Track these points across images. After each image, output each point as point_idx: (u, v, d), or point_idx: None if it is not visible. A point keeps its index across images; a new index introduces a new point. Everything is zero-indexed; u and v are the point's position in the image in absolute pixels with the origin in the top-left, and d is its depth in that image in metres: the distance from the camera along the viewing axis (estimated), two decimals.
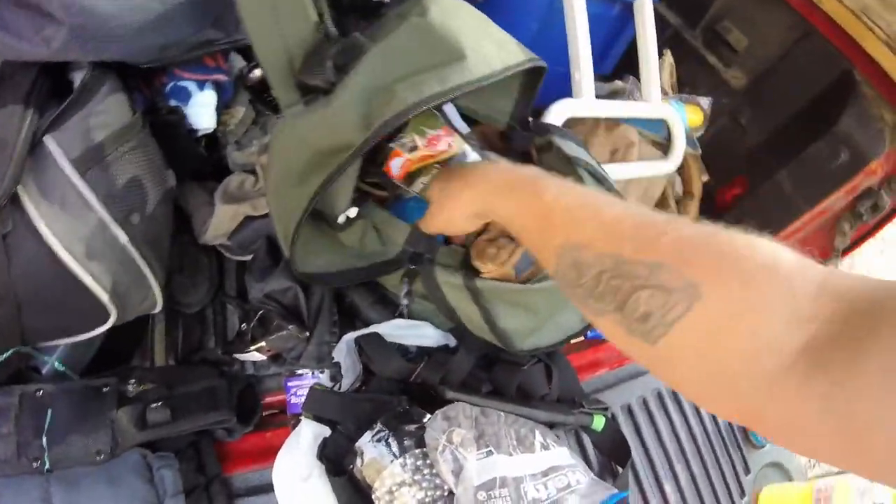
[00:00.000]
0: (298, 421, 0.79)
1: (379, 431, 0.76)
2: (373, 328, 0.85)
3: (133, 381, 0.78)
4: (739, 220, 1.34)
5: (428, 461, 0.76)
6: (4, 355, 0.71)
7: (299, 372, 0.87)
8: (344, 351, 0.83)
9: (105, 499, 0.72)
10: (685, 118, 1.19)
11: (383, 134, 0.57)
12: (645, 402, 1.13)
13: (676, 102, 1.20)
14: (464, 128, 0.82)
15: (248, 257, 0.89)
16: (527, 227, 0.54)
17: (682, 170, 1.25)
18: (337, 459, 0.76)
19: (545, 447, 0.82)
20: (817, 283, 0.35)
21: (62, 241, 0.66)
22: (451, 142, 0.76)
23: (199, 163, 0.86)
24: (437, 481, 0.75)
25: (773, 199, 1.30)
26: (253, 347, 0.82)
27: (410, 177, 0.77)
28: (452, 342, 0.90)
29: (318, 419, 0.78)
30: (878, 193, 1.21)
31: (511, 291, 0.75)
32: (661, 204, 1.28)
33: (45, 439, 0.70)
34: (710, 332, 0.36)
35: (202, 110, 0.77)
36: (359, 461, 0.74)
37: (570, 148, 0.79)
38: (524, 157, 0.85)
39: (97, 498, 0.71)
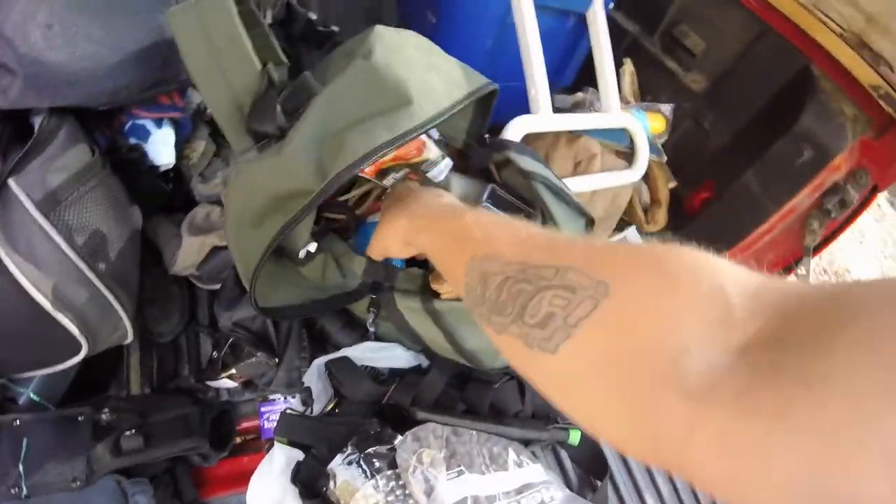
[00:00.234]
0: (272, 445, 0.80)
1: (350, 454, 0.77)
2: (343, 352, 0.86)
3: (107, 409, 0.79)
4: (709, 224, 1.37)
5: (401, 482, 0.76)
6: None
7: (272, 397, 0.88)
8: (315, 375, 0.84)
9: None
10: (647, 126, 1.21)
11: (338, 185, 0.58)
12: None
13: (637, 111, 1.22)
14: (436, 133, 0.83)
15: (218, 286, 0.91)
16: (441, 248, 0.54)
17: (648, 178, 1.27)
18: (310, 482, 0.77)
19: (519, 465, 0.82)
20: (754, 283, 0.29)
21: (30, 279, 0.67)
22: (421, 146, 0.76)
23: (164, 197, 0.87)
24: (410, 502, 0.76)
25: (742, 201, 1.31)
26: (224, 375, 0.84)
27: (383, 173, 0.78)
28: (425, 363, 0.91)
29: (291, 443, 0.79)
30: (844, 188, 1.21)
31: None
32: (629, 213, 1.29)
33: (21, 467, 0.72)
34: (620, 333, 0.31)
35: (161, 147, 0.78)
36: (332, 483, 0.75)
37: (527, 163, 0.80)
38: (484, 174, 0.86)
39: None
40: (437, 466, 0.75)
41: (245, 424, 0.92)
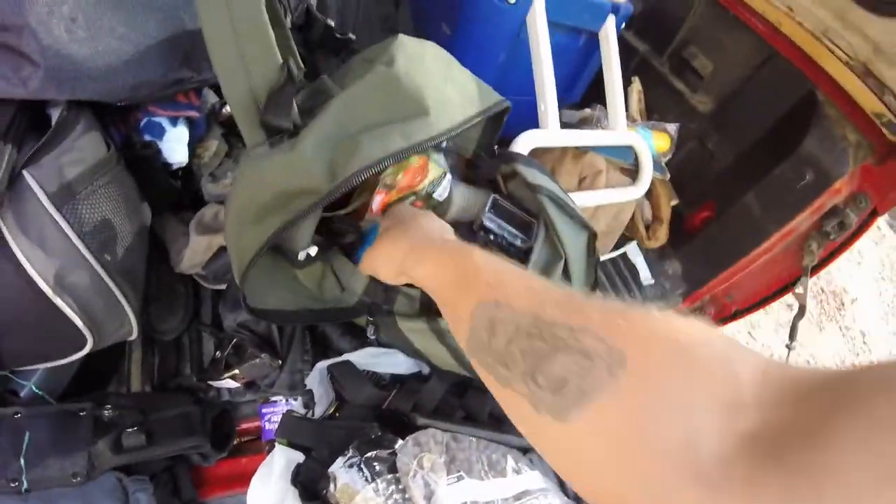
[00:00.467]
0: (273, 447, 0.80)
1: (351, 457, 0.77)
2: (345, 356, 0.86)
3: (109, 406, 0.80)
4: (709, 243, 1.38)
5: (401, 486, 0.77)
6: None
7: (273, 399, 0.88)
8: (317, 379, 0.84)
9: None
10: (652, 144, 1.23)
11: (348, 187, 0.58)
12: None
13: (643, 129, 1.24)
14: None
15: (223, 286, 0.91)
16: (445, 285, 0.51)
17: (650, 195, 1.28)
18: (310, 485, 0.77)
19: (517, 472, 0.83)
20: (759, 367, 0.30)
21: (40, 271, 0.67)
22: (424, 167, 0.76)
23: (175, 195, 0.88)
24: None
25: (742, 222, 1.32)
26: (227, 375, 0.84)
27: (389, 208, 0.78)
28: (426, 369, 0.91)
29: (292, 445, 0.80)
30: (843, 212, 1.23)
31: None
32: (631, 228, 1.31)
33: (23, 461, 0.72)
34: (634, 409, 0.30)
35: (175, 145, 0.79)
36: (332, 486, 0.75)
37: (534, 176, 0.80)
38: (491, 185, 0.87)
39: None
40: (438, 471, 0.75)
41: (245, 425, 0.92)
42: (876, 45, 1.07)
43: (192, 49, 0.71)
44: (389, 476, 0.76)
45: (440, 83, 0.66)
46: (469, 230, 0.80)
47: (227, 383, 0.86)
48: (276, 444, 0.80)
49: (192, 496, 0.83)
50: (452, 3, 1.07)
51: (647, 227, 1.33)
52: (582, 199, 1.06)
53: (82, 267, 0.71)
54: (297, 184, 0.59)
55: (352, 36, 0.96)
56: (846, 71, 1.14)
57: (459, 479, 0.77)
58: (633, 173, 1.17)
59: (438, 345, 0.79)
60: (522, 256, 0.75)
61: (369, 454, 0.77)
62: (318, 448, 0.79)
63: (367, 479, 0.75)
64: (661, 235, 1.32)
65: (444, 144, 0.81)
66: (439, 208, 0.80)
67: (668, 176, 1.28)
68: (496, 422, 0.90)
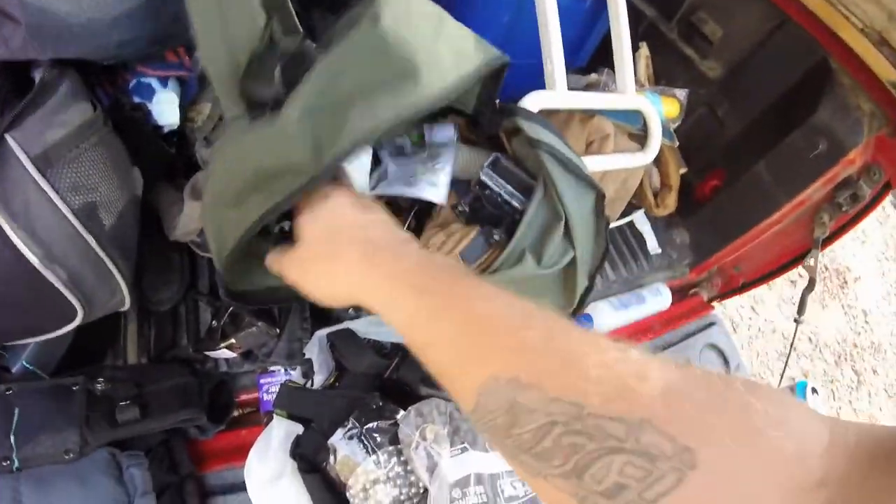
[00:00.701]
0: (271, 418, 0.79)
1: (351, 428, 0.76)
2: (346, 324, 0.85)
3: (102, 379, 0.78)
4: (718, 212, 1.36)
5: (402, 458, 0.75)
6: None
7: (272, 369, 0.86)
8: (316, 347, 0.83)
9: (75, 498, 0.72)
10: (661, 110, 1.19)
11: (336, 167, 0.53)
12: None
13: (652, 94, 1.20)
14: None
15: None
16: (439, 342, 0.39)
17: (659, 162, 1.25)
18: (310, 457, 0.76)
19: None
20: (824, 438, 0.28)
21: (25, 240, 0.65)
22: None
23: (167, 158, 0.85)
24: (412, 478, 0.75)
25: (752, 191, 1.30)
26: (224, 345, 0.82)
27: None
28: None
29: (291, 416, 0.78)
30: (857, 184, 1.20)
31: None
32: (639, 195, 1.28)
33: (13, 438, 0.70)
34: None
35: (166, 107, 0.76)
36: (332, 458, 0.74)
37: (536, 131, 0.74)
38: (494, 143, 0.83)
39: (67, 497, 0.72)
40: (441, 443, 0.74)
41: (244, 397, 0.91)
42: (892, 13, 1.04)
43: (181, 6, 0.67)
44: (391, 448, 0.75)
45: (431, 42, 0.60)
46: (466, 186, 0.76)
47: (224, 353, 0.84)
48: (275, 415, 0.78)
49: (190, 470, 0.82)
50: None
51: (656, 195, 1.30)
52: (589, 164, 1.02)
53: (69, 234, 0.68)
54: (280, 161, 0.53)
55: None
56: (861, 39, 1.10)
57: (463, 450, 0.76)
58: (641, 139, 1.13)
59: None
60: (518, 217, 0.71)
61: (370, 425, 0.76)
62: (317, 419, 0.77)
63: (367, 451, 0.74)
64: (671, 202, 1.30)
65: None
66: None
67: (677, 143, 1.25)
68: None
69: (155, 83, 0.76)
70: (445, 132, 0.78)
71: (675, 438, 0.28)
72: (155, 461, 0.80)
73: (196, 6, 0.57)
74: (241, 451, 0.77)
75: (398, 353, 0.85)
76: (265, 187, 0.55)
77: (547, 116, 1.01)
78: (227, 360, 0.87)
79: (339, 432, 0.75)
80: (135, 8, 0.65)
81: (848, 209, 1.22)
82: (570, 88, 1.00)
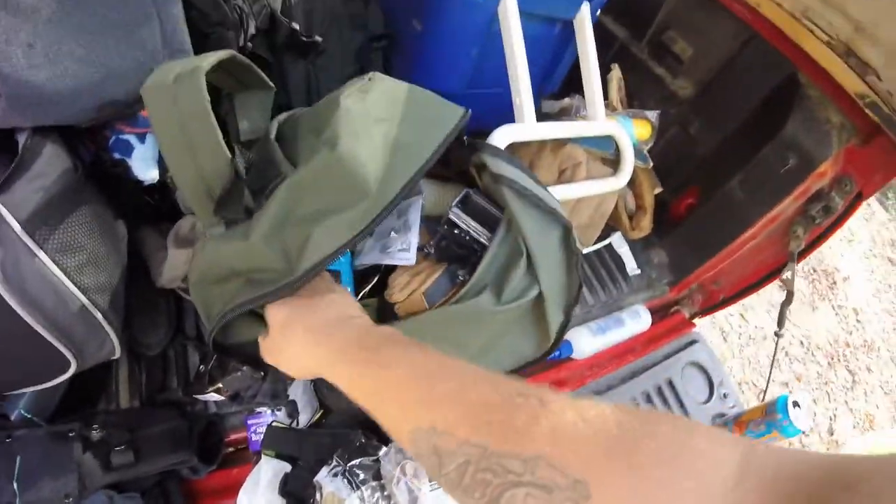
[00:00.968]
0: (260, 458, 0.81)
1: (336, 466, 0.78)
2: None
3: (96, 425, 0.80)
4: (694, 230, 1.38)
5: (385, 493, 0.78)
6: None
7: (259, 410, 0.88)
8: (300, 388, 0.85)
9: None
10: (633, 133, 1.22)
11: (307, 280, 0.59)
12: None
13: (624, 118, 1.23)
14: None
15: None
16: (373, 400, 0.46)
17: (633, 184, 1.27)
18: (297, 494, 0.78)
19: None
20: (735, 467, 0.29)
21: (17, 299, 0.67)
22: None
23: (150, 209, 0.87)
24: None
25: (726, 208, 1.32)
26: (211, 389, 0.84)
27: None
28: None
29: (279, 455, 0.80)
30: (828, 196, 1.22)
31: (428, 324, 0.72)
32: (614, 218, 1.30)
33: (16, 484, 0.72)
34: None
35: (145, 162, 0.78)
36: (318, 496, 0.76)
37: (498, 166, 0.76)
38: (463, 177, 0.85)
39: None
40: (421, 478, 0.76)
41: (233, 436, 0.93)
42: (857, 24, 1.06)
43: (153, 66, 0.70)
44: (374, 483, 0.77)
45: (383, 154, 0.65)
46: (436, 224, 0.78)
47: (213, 396, 0.86)
48: (263, 455, 0.81)
49: None
50: None
51: (631, 218, 1.32)
52: (562, 192, 1.05)
53: (60, 292, 0.70)
54: (254, 266, 0.61)
55: (318, 38, 0.95)
56: (827, 51, 1.13)
57: None
58: (614, 163, 1.16)
59: None
60: (484, 254, 0.74)
61: (354, 462, 0.78)
62: (303, 457, 0.80)
63: (352, 487, 0.76)
64: (645, 225, 1.32)
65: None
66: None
67: (651, 164, 1.28)
68: None
69: (133, 140, 0.78)
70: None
71: (566, 471, 0.31)
72: (150, 501, 0.83)
73: (165, 141, 0.63)
74: (233, 489, 0.79)
75: None
76: (246, 274, 0.63)
77: (519, 147, 1.04)
78: (216, 402, 0.90)
79: (325, 470, 0.77)
80: (109, 74, 0.68)
81: (821, 221, 1.23)
82: (543, 114, 1.03)
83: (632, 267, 1.42)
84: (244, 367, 0.82)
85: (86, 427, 0.80)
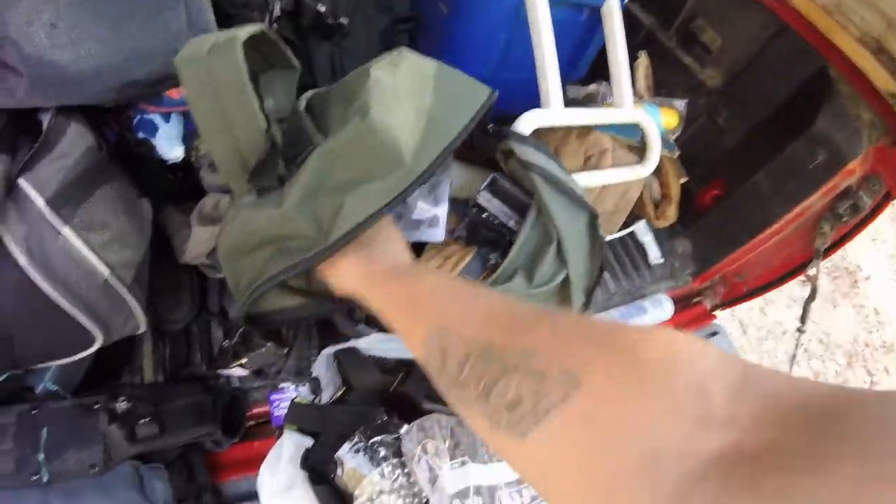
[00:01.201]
0: (282, 432, 0.82)
1: (357, 442, 0.79)
2: (351, 342, 0.88)
3: (122, 398, 0.82)
4: (719, 222, 1.37)
5: (406, 470, 0.78)
6: (1, 377, 0.75)
7: (282, 385, 0.89)
8: (323, 365, 0.86)
9: None
10: (660, 121, 1.20)
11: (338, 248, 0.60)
12: None
13: (651, 106, 1.21)
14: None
15: None
16: (394, 315, 0.51)
17: (659, 173, 1.26)
18: (319, 469, 0.78)
19: None
20: (738, 378, 0.28)
21: (43, 275, 0.69)
22: None
23: (174, 188, 0.88)
24: (416, 489, 0.77)
25: (753, 201, 1.31)
26: (235, 364, 0.85)
27: None
28: None
29: (301, 430, 0.81)
30: (856, 194, 1.20)
31: None
32: (639, 207, 1.29)
33: (42, 455, 0.74)
34: (592, 427, 0.29)
35: (169, 141, 0.79)
36: (339, 471, 0.77)
37: (527, 153, 0.78)
38: (490, 164, 0.86)
39: None
40: (441, 456, 0.77)
41: (255, 410, 0.94)
42: (890, 21, 1.04)
43: (177, 47, 0.71)
44: (395, 460, 0.78)
45: (414, 122, 0.65)
46: (464, 207, 0.79)
47: (236, 371, 0.87)
48: (285, 429, 0.81)
49: (207, 481, 0.85)
50: None
51: (656, 206, 1.31)
52: (588, 179, 1.04)
53: (85, 268, 0.72)
54: (286, 232, 0.62)
55: (343, 20, 0.95)
56: (859, 47, 1.10)
57: (463, 463, 0.78)
58: (640, 151, 1.15)
59: None
60: (513, 238, 0.74)
61: (375, 439, 0.78)
62: (325, 433, 0.80)
63: (373, 464, 0.77)
64: (671, 214, 1.31)
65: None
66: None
67: (678, 153, 1.26)
68: None
69: (158, 119, 0.79)
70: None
71: (560, 363, 0.32)
72: (174, 473, 0.84)
73: (199, 108, 0.63)
74: (255, 462, 0.80)
75: (402, 369, 0.88)
76: (277, 243, 0.63)
77: (545, 132, 1.04)
78: (239, 377, 0.91)
79: (346, 446, 0.78)
80: (131, 55, 0.69)
81: (848, 219, 1.22)
82: (569, 100, 1.02)
83: (655, 255, 1.41)
84: (268, 344, 0.83)
85: (111, 399, 0.82)
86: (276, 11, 0.87)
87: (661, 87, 1.35)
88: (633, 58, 1.24)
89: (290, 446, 0.80)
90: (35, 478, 0.73)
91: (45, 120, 0.70)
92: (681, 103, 1.27)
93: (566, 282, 0.77)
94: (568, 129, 1.09)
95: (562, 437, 0.31)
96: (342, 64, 1.05)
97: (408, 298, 0.50)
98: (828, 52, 1.17)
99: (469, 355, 0.37)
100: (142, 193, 0.81)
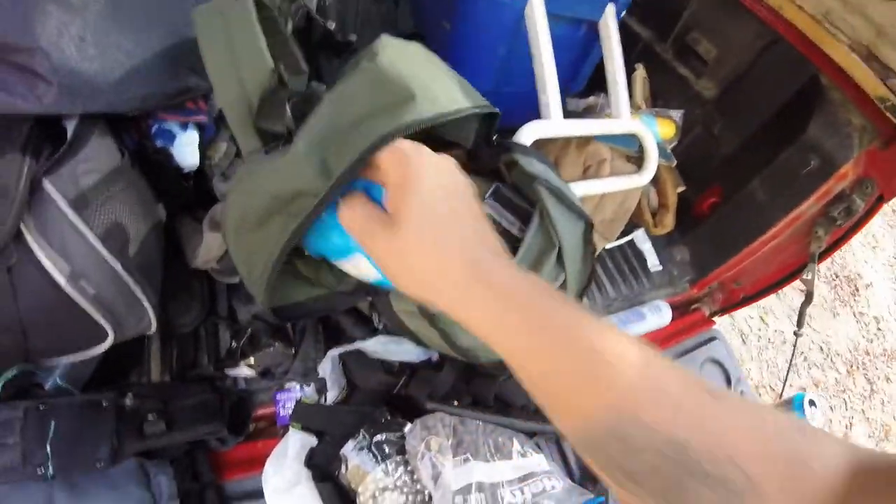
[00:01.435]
0: (287, 431, 0.84)
1: (361, 440, 0.81)
2: (357, 344, 0.90)
3: (130, 395, 0.83)
4: (716, 229, 1.39)
5: (409, 467, 0.80)
6: (12, 373, 0.77)
7: (287, 386, 0.92)
8: (329, 366, 0.88)
9: (105, 502, 0.78)
10: (657, 132, 1.23)
11: (344, 183, 0.55)
12: None
13: (648, 116, 1.24)
14: None
15: (237, 280, 0.95)
16: (550, 368, 0.38)
17: (657, 182, 1.29)
18: (323, 467, 0.81)
19: (522, 454, 0.86)
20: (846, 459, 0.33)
21: (63, 273, 0.71)
22: None
23: (187, 195, 0.91)
24: (418, 486, 0.79)
25: (749, 208, 1.33)
26: (243, 364, 0.88)
27: None
28: (435, 356, 0.95)
29: (306, 429, 0.84)
30: (850, 198, 1.22)
31: None
32: (637, 215, 1.32)
33: (49, 448, 0.75)
34: None
35: (186, 149, 0.82)
36: (343, 468, 0.79)
37: (531, 165, 0.81)
38: (493, 175, 0.88)
39: (99, 502, 0.77)
40: (444, 453, 0.79)
41: (261, 412, 0.96)
42: (879, 28, 1.06)
43: (197, 60, 0.74)
44: (398, 458, 0.80)
45: (425, 75, 0.64)
46: None
47: (243, 371, 0.90)
48: (291, 427, 0.84)
49: (211, 479, 0.87)
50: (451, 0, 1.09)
51: (654, 214, 1.34)
52: (587, 188, 1.07)
53: (102, 267, 0.75)
54: (292, 186, 0.57)
55: (352, 38, 0.99)
56: (849, 54, 1.13)
57: (465, 460, 0.80)
58: (638, 161, 1.18)
59: (430, 328, 0.80)
60: (516, 245, 0.77)
61: (379, 437, 0.81)
62: (330, 432, 0.82)
63: (377, 461, 0.79)
64: (668, 222, 1.33)
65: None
66: None
67: (675, 162, 1.29)
68: (503, 406, 0.94)
69: (175, 128, 0.82)
70: None
71: (753, 478, 0.32)
72: (179, 470, 0.85)
73: (210, 55, 0.65)
74: (258, 462, 0.82)
75: (406, 371, 0.90)
76: (284, 209, 0.59)
77: (545, 143, 1.07)
78: (245, 378, 0.93)
79: (351, 444, 0.80)
80: (154, 66, 0.72)
81: (842, 223, 1.24)
82: (568, 112, 1.05)
83: (654, 263, 1.43)
84: (276, 344, 0.86)
85: (120, 396, 0.83)
86: (289, 29, 0.91)
87: (658, 99, 1.39)
88: (630, 70, 1.28)
89: (295, 444, 0.82)
90: (41, 471, 0.73)
91: (70, 126, 0.72)
92: (677, 114, 1.30)
93: (562, 286, 0.80)
94: (567, 140, 1.12)
95: None
96: None
97: (571, 352, 0.38)
98: (818, 61, 1.20)
99: (657, 454, 0.34)
100: (157, 199, 0.84)
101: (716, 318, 1.52)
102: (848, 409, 2.42)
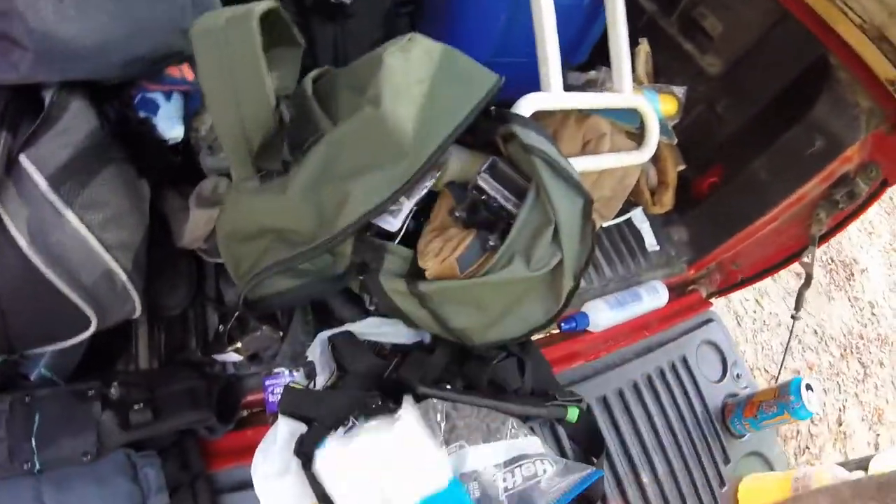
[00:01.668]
0: (276, 418, 0.82)
1: (352, 426, 0.79)
2: (346, 327, 0.87)
3: (116, 384, 0.81)
4: (716, 209, 1.37)
5: None
6: None
7: (276, 371, 0.89)
8: (318, 349, 0.85)
9: (93, 496, 0.75)
10: (659, 108, 1.20)
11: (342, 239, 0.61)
12: (621, 394, 1.15)
13: (650, 92, 1.21)
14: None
15: None
16: None
17: (657, 159, 1.26)
18: (313, 454, 0.79)
19: (515, 437, 0.84)
20: None
21: (41, 255, 0.68)
22: None
23: (173, 169, 0.87)
24: None
25: (750, 188, 1.31)
26: (230, 348, 0.85)
27: None
28: (427, 338, 0.92)
29: (295, 416, 0.81)
30: (853, 181, 1.20)
31: (456, 289, 0.75)
32: (636, 193, 1.29)
33: (34, 442, 0.73)
34: None
35: (170, 121, 0.78)
36: None
37: (529, 137, 0.78)
38: (491, 147, 0.85)
39: (86, 496, 0.75)
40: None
41: (250, 398, 0.94)
42: (892, 10, 1.03)
43: (183, 23, 0.70)
44: None
45: (424, 110, 0.66)
46: (463, 190, 0.79)
47: (231, 356, 0.87)
48: (280, 415, 0.81)
49: (201, 469, 0.85)
50: None
51: (653, 193, 1.31)
52: (586, 164, 1.04)
53: (83, 248, 0.71)
54: (284, 225, 0.63)
55: (346, 1, 0.95)
56: (860, 35, 1.10)
57: (461, 447, 0.79)
58: (639, 137, 1.15)
59: (421, 309, 0.79)
60: (512, 221, 0.74)
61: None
62: (320, 418, 0.80)
63: None
64: (667, 201, 1.31)
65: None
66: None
67: (676, 140, 1.26)
68: (497, 390, 0.92)
69: (159, 98, 0.78)
70: None
71: None
72: (168, 460, 0.83)
73: (209, 83, 0.63)
74: (249, 450, 0.80)
75: (397, 354, 0.88)
76: (274, 235, 0.64)
77: (543, 116, 1.03)
78: (234, 363, 0.90)
79: (340, 430, 0.78)
80: (138, 30, 0.68)
81: (844, 206, 1.22)
82: (568, 86, 1.02)
83: (651, 243, 1.41)
84: (264, 327, 0.83)
85: (105, 386, 0.81)
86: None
87: (661, 75, 1.35)
88: (633, 44, 1.24)
89: (284, 432, 0.80)
90: (27, 465, 0.72)
91: (48, 96, 0.69)
92: (680, 90, 1.27)
93: (559, 265, 0.78)
94: (566, 114, 1.09)
95: None
96: (344, 45, 1.05)
97: None
98: (828, 40, 1.16)
99: None
100: (141, 174, 0.80)
101: (713, 300, 1.51)
102: (841, 392, 2.43)
